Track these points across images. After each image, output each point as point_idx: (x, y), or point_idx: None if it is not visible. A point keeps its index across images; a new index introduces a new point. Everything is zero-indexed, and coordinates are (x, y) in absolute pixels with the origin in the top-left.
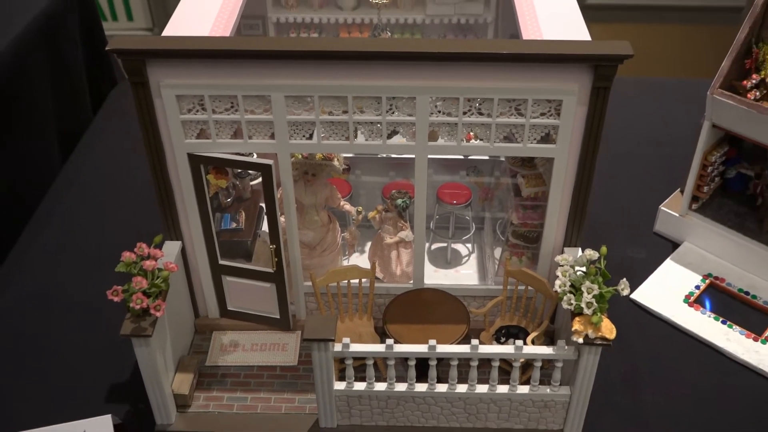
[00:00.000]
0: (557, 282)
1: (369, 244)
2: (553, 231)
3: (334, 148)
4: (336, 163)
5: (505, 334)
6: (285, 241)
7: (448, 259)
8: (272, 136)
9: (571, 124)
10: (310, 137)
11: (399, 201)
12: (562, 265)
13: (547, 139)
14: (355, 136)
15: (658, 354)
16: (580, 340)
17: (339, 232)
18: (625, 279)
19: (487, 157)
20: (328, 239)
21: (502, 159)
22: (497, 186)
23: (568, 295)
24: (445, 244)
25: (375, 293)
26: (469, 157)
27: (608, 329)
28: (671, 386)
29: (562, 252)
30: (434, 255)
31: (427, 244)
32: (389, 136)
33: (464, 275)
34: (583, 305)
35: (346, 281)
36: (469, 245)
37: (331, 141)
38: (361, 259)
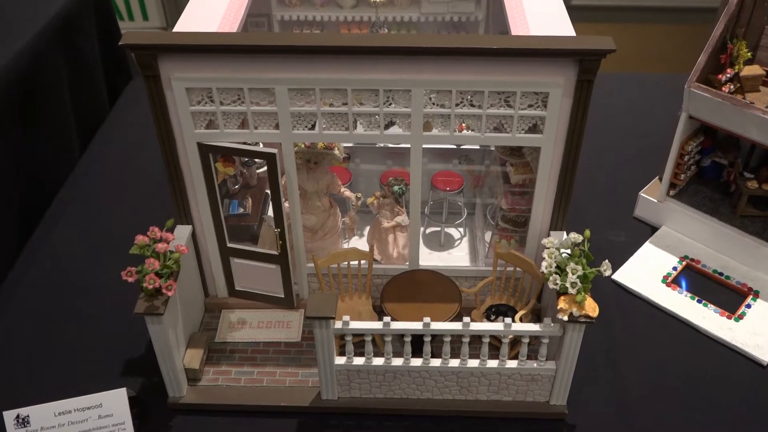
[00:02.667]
0: (543, 263)
1: (368, 228)
2: (540, 216)
3: (334, 138)
4: (336, 152)
5: (494, 312)
6: (289, 225)
7: (441, 242)
8: (276, 127)
9: (557, 115)
10: (312, 127)
11: (396, 188)
12: (548, 248)
13: (534, 129)
14: (355, 127)
15: (638, 331)
16: (565, 318)
17: (339, 216)
18: (607, 260)
19: (478, 147)
20: (329, 223)
21: (492, 148)
22: (488, 174)
23: (554, 275)
24: (438, 228)
25: (373, 274)
26: (461, 147)
27: (591, 308)
28: (649, 361)
29: (548, 235)
30: (428, 238)
31: (422, 228)
32: (386, 127)
33: (456, 257)
34: (567, 285)
35: (346, 263)
36: (461, 229)
37: (331, 131)
38: (360, 242)
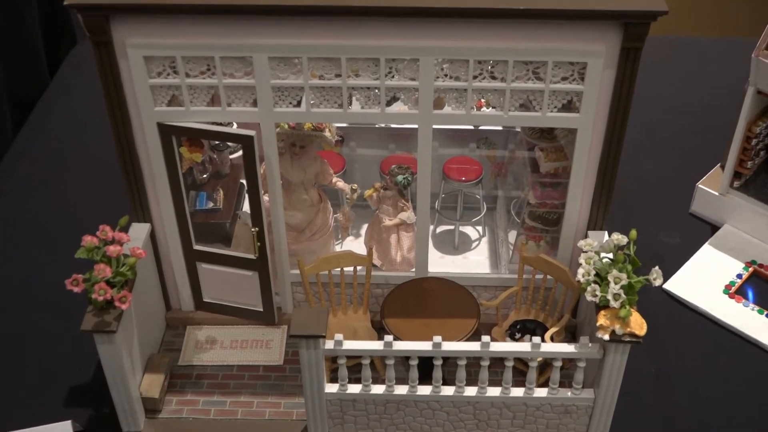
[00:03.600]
0: (580, 270)
1: (365, 226)
2: (576, 212)
3: (325, 117)
4: (327, 134)
5: (520, 330)
6: (269, 223)
7: (455, 244)
8: (254, 104)
9: (597, 90)
10: (298, 104)
11: (399, 178)
12: (586, 251)
13: (569, 107)
14: (350, 104)
15: (694, 351)
16: (606, 337)
17: (331, 213)
18: (657, 267)
19: (500, 128)
20: (318, 221)
21: (518, 130)
22: (512, 160)
23: (593, 285)
24: (452, 227)
25: (372, 283)
26: (480, 128)
27: (638, 324)
28: (708, 388)
29: (586, 236)
30: (440, 239)
31: (431, 227)
32: (388, 104)
33: (474, 262)
34: (609, 297)
35: (339, 269)
36: (479, 228)
37: (321, 109)
38: (355, 244)
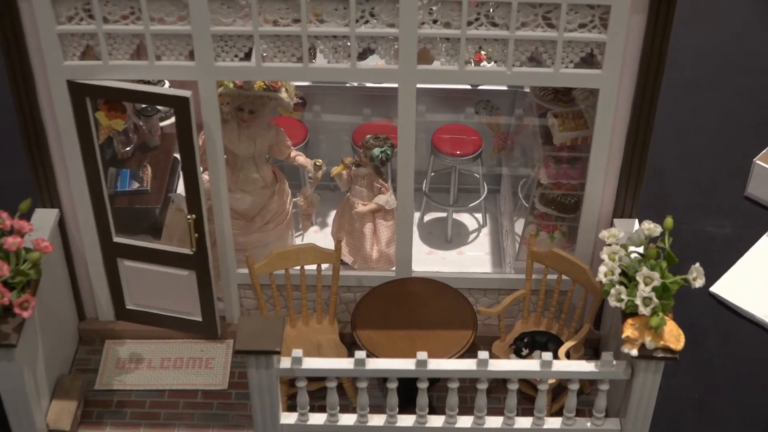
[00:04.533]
0: (602, 269)
1: (333, 213)
2: (599, 195)
3: (280, 74)
4: (284, 94)
5: (528, 344)
6: (209, 208)
7: (448, 237)
8: (191, 56)
9: (624, 41)
10: (247, 57)
11: (376, 151)
12: (610, 244)
13: (590, 61)
14: (312, 57)
15: (746, 369)
16: (634, 352)
17: (289, 196)
18: (698, 264)
19: (504, 88)
20: (273, 206)
21: (526, 90)
22: (519, 130)
23: (618, 287)
24: (443, 215)
25: (341, 285)
26: (479, 88)
27: (674, 336)
28: (763, 412)
29: (611, 225)
30: (428, 229)
31: (417, 214)
32: (361, 57)
33: (471, 259)
34: (638, 302)
35: (299, 267)
36: (478, 216)
37: (276, 63)
38: (320, 236)
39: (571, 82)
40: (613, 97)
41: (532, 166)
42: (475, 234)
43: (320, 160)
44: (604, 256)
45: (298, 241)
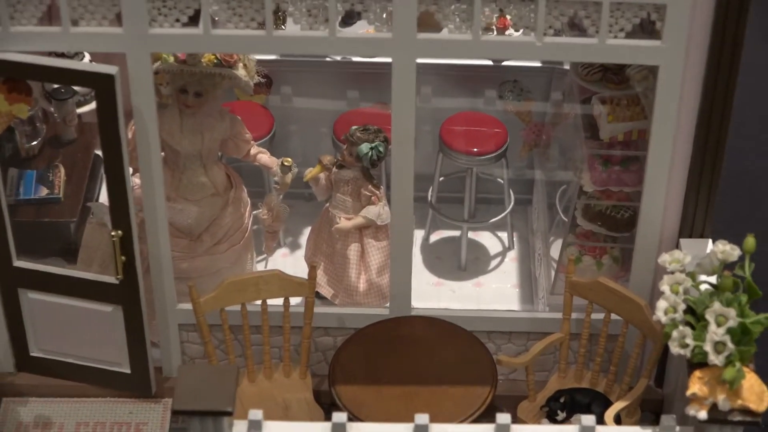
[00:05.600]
0: (662, 304)
1: (308, 231)
2: (660, 207)
3: (237, 45)
4: (241, 72)
5: (565, 406)
6: (142, 222)
7: (461, 263)
8: (117, 21)
9: (690, 4)
10: (192, 22)
11: (364, 147)
12: (672, 272)
13: (647, 29)
14: (281, 21)
15: None
16: (703, 414)
17: (248, 207)
18: None
19: (537, 64)
20: (227, 221)
21: (566, 67)
22: (558, 120)
23: (682, 328)
24: (456, 233)
25: (316, 326)
26: (503, 64)
27: (755, 394)
28: None
29: (678, 247)
30: (435, 253)
31: (420, 233)
32: (346, 23)
33: (492, 292)
34: (708, 348)
35: (260, 302)
36: (503, 235)
37: (231, 30)
38: (290, 261)
39: (622, 58)
40: (677, 77)
41: (573, 169)
42: (498, 259)
43: (289, 159)
44: (665, 287)
45: (260, 267)
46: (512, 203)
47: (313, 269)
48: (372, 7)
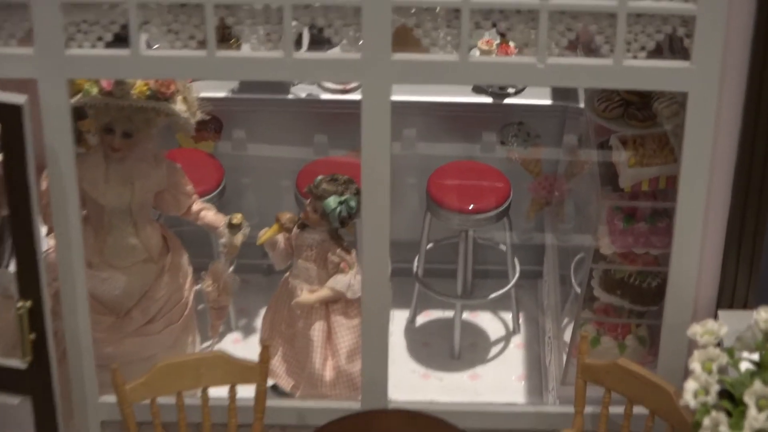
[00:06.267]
0: (691, 385)
1: (264, 309)
2: (692, 271)
3: (172, 69)
4: (180, 106)
5: None
6: (57, 293)
7: (455, 350)
8: (27, 39)
9: (725, 12)
10: (118, 42)
11: (332, 202)
12: (704, 345)
13: (675, 48)
14: (235, 42)
15: None
16: None
17: (189, 277)
18: None
19: (547, 101)
20: (162, 294)
21: (581, 105)
22: (574, 171)
23: (715, 414)
24: (448, 313)
25: (270, 423)
26: (506, 102)
27: None
28: None
29: (716, 317)
30: (422, 337)
31: (404, 313)
32: (314, 45)
33: (492, 385)
34: None
35: (199, 391)
36: (506, 315)
37: (165, 51)
38: (243, 346)
39: (641, 83)
40: (710, 107)
41: (588, 228)
42: (501, 346)
43: (239, 216)
44: (695, 364)
45: (205, 346)
46: (517, 275)
47: (266, 349)
48: (336, 22)
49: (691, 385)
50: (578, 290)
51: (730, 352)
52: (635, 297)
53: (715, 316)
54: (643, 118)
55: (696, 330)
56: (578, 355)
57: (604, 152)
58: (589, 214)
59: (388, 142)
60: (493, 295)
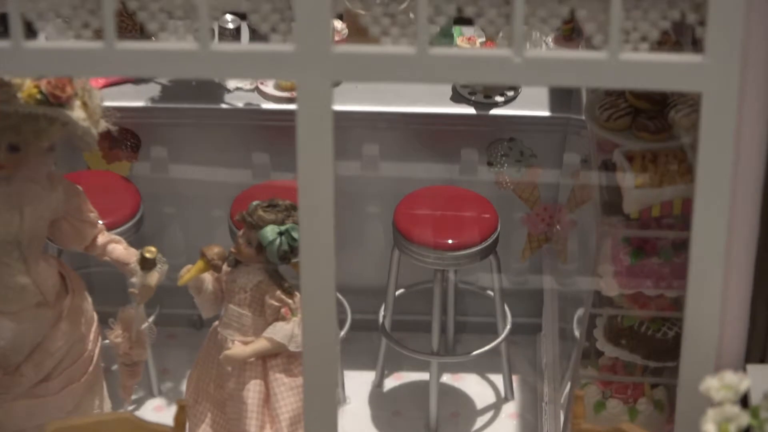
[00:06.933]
0: None
1: (187, 373)
2: (713, 317)
3: (64, 65)
4: (79, 113)
5: None
6: None
7: (431, 422)
8: None
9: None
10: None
11: (269, 234)
12: (720, 403)
13: (686, 40)
14: (139, 33)
15: None
16: None
17: (94, 324)
18: None
19: (544, 113)
20: (59, 344)
21: (582, 117)
22: (578, 198)
23: None
24: (423, 376)
25: None
26: (492, 113)
27: None
28: None
29: (744, 370)
30: (391, 405)
31: (368, 375)
32: (256, 40)
33: None
34: None
35: None
36: (495, 378)
37: (55, 43)
38: (168, 414)
39: (642, 81)
40: (729, 111)
41: (588, 266)
42: (489, 415)
43: (153, 249)
44: (709, 426)
45: (107, 408)
46: (508, 328)
47: (182, 410)
48: (264, 7)
49: None
50: (580, 338)
51: (755, 411)
52: (648, 350)
53: (744, 368)
54: (655, 129)
55: (711, 384)
56: (572, 419)
57: (609, 177)
58: (588, 248)
59: (331, 156)
60: (477, 352)
